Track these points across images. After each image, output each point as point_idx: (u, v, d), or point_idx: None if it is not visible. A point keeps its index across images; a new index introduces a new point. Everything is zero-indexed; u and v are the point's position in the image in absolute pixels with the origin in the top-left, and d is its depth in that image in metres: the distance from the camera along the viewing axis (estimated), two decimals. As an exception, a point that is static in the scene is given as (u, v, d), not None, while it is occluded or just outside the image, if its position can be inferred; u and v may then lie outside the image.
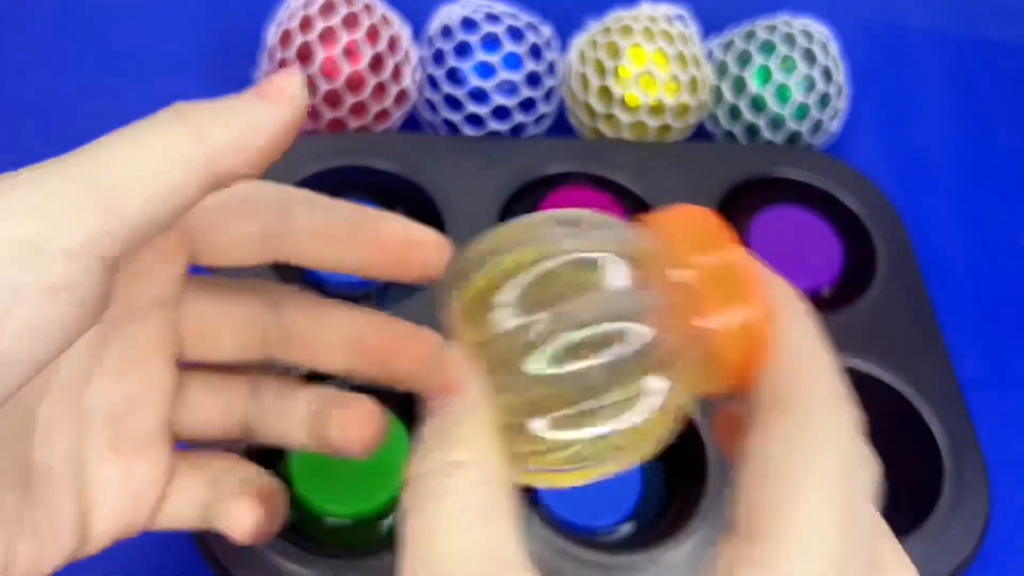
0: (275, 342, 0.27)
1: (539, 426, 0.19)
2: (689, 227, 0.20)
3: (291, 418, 0.27)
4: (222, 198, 0.23)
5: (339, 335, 0.27)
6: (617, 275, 0.20)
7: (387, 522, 0.36)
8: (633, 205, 0.46)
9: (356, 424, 0.26)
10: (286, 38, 0.47)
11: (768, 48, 0.49)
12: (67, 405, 0.24)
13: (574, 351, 0.19)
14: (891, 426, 0.41)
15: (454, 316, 0.21)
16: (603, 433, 0.19)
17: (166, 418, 0.26)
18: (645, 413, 0.19)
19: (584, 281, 0.19)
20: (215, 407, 0.27)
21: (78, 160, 0.19)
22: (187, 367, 0.27)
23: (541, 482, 0.21)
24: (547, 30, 0.50)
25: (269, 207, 0.25)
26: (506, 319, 0.19)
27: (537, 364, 0.19)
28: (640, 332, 0.19)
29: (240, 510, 0.26)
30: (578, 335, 0.19)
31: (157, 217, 0.20)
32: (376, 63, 0.47)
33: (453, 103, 0.48)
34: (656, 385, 0.19)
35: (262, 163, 0.21)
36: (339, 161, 0.45)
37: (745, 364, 0.20)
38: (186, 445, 0.27)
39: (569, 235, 0.20)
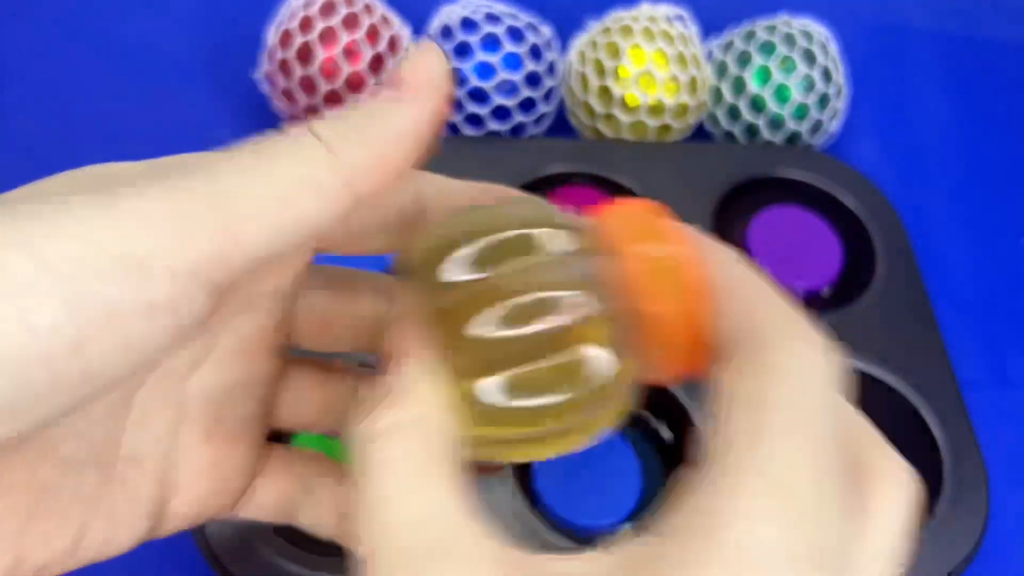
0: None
1: (490, 388, 0.19)
2: (630, 220, 0.21)
3: None
4: None
5: None
6: (563, 245, 0.20)
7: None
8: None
9: None
10: (286, 38, 0.47)
11: (768, 48, 0.49)
12: (168, 392, 0.23)
13: (520, 314, 0.19)
14: (891, 426, 0.41)
15: (406, 286, 0.21)
16: (549, 402, 0.19)
17: (264, 410, 0.25)
18: (590, 380, 0.19)
19: (532, 249, 0.20)
20: (314, 402, 0.26)
21: (197, 176, 0.17)
22: (294, 359, 0.26)
23: (497, 454, 0.21)
24: (547, 30, 0.50)
25: (404, 193, 0.24)
26: (454, 276, 0.19)
27: (483, 327, 0.19)
28: (583, 302, 0.19)
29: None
30: (523, 299, 0.19)
31: (279, 245, 0.18)
32: (376, 63, 0.47)
33: (453, 103, 0.48)
34: (597, 353, 0.19)
35: (406, 170, 0.20)
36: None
37: (687, 351, 0.20)
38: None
39: (521, 211, 0.21)
